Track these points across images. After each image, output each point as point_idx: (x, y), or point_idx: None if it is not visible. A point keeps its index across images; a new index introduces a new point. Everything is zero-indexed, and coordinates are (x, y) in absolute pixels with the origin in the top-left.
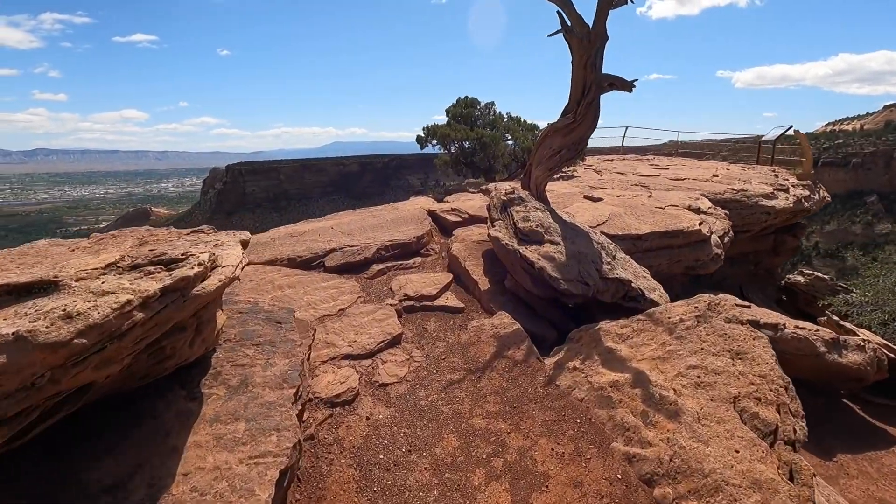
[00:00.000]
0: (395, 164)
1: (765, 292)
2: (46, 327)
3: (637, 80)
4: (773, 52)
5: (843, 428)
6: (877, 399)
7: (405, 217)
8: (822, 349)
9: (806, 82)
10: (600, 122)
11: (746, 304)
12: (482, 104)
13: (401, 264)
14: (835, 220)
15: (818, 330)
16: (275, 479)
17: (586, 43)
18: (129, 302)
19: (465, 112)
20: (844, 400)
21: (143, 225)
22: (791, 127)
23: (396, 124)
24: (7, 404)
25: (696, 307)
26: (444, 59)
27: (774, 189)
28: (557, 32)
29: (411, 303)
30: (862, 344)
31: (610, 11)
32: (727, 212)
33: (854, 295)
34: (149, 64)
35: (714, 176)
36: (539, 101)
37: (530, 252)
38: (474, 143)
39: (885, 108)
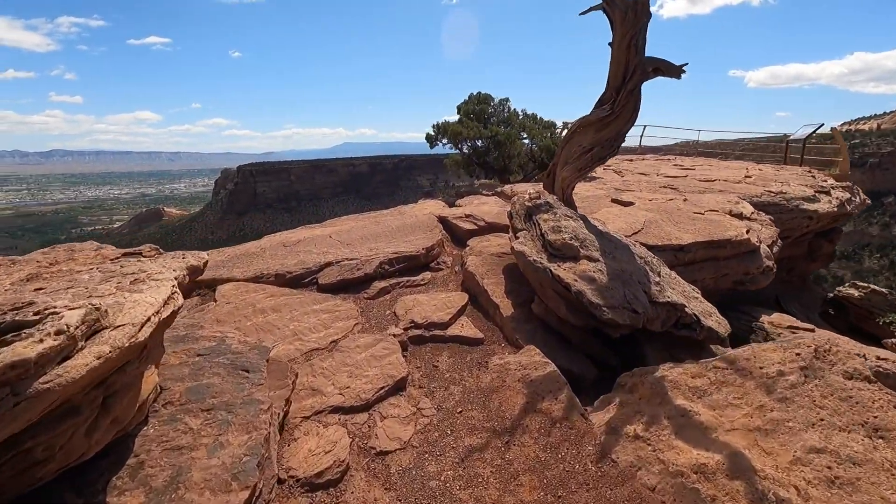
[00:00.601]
0: (404, 165)
1: (801, 301)
2: None
3: (687, 64)
4: (787, 51)
5: None
6: None
7: (413, 224)
8: None
9: (821, 81)
10: None
11: (860, 353)
12: (496, 100)
13: (407, 281)
14: (851, 221)
15: None
16: None
17: (631, 16)
18: None
19: (478, 109)
20: None
21: (156, 224)
22: (822, 124)
23: (406, 125)
24: None
25: (797, 354)
26: (454, 60)
27: (815, 191)
28: (593, 9)
29: (419, 332)
30: None
31: None
32: (770, 217)
33: None
34: (162, 66)
35: (746, 177)
36: (555, 103)
37: (565, 271)
38: (488, 142)
39: None
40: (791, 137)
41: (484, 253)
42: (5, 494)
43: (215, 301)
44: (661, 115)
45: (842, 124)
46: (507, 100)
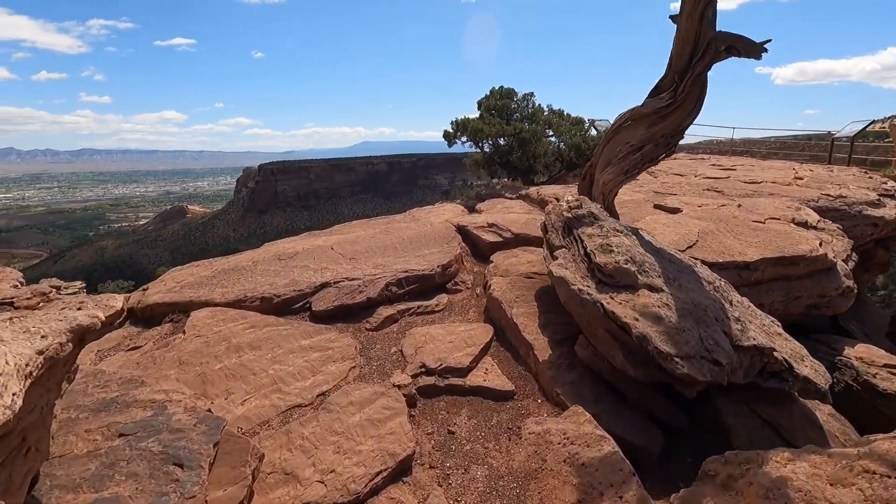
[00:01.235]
0: (422, 164)
1: (858, 318)
2: None
3: (770, 41)
4: (816, 46)
5: None
6: None
7: (427, 235)
8: None
9: (851, 78)
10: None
11: None
12: (519, 95)
13: (418, 307)
14: None
15: None
16: None
17: None
18: None
19: (500, 104)
20: None
21: (180, 221)
22: (873, 121)
23: (424, 124)
24: None
25: None
26: (473, 60)
27: (879, 195)
28: None
29: (431, 379)
30: None
31: None
32: (839, 226)
33: None
34: (187, 66)
35: (797, 178)
36: (578, 100)
37: (621, 306)
38: (511, 140)
39: None
40: (837, 135)
41: (511, 273)
42: None
43: (184, 333)
44: None
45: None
46: (531, 94)
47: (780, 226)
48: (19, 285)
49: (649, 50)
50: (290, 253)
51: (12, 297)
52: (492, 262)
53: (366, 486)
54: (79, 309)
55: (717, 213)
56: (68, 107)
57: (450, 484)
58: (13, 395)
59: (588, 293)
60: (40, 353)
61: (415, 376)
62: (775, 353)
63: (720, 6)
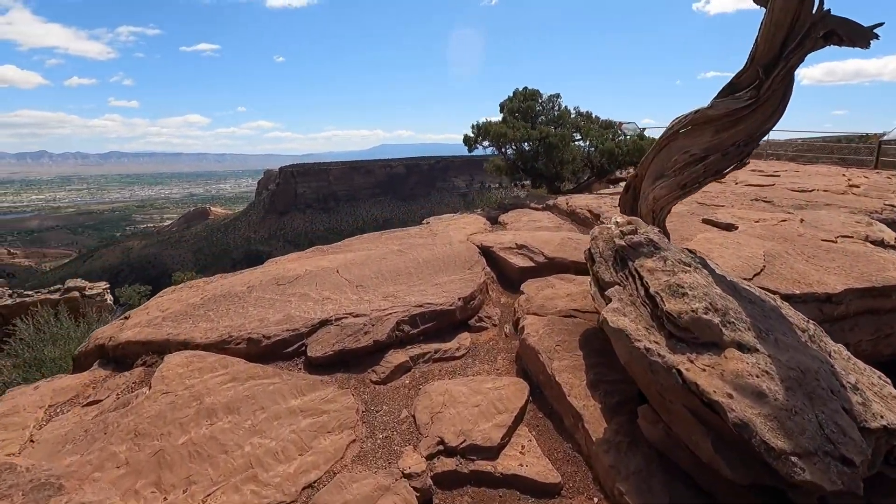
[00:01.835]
0: (440, 166)
1: None
2: None
3: (882, 24)
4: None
5: None
6: None
7: (447, 257)
8: None
9: (883, 78)
10: (647, 119)
11: None
12: (544, 97)
13: (435, 351)
14: None
15: None
16: None
17: None
18: None
19: (525, 106)
20: None
21: (202, 222)
22: None
23: (442, 126)
24: None
25: None
26: (493, 62)
27: None
28: None
29: (451, 463)
30: None
31: None
32: None
33: None
34: (211, 71)
35: (851, 185)
36: (605, 103)
37: (706, 375)
38: (536, 145)
39: None
40: (884, 138)
41: (548, 310)
42: None
43: (149, 388)
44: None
45: None
46: (557, 96)
47: (856, 246)
48: None
49: (658, 52)
50: (290, 277)
51: None
52: (523, 292)
53: None
54: None
55: (778, 230)
56: (98, 111)
57: None
58: None
59: (658, 353)
60: None
61: (430, 457)
62: None
63: (743, 5)
